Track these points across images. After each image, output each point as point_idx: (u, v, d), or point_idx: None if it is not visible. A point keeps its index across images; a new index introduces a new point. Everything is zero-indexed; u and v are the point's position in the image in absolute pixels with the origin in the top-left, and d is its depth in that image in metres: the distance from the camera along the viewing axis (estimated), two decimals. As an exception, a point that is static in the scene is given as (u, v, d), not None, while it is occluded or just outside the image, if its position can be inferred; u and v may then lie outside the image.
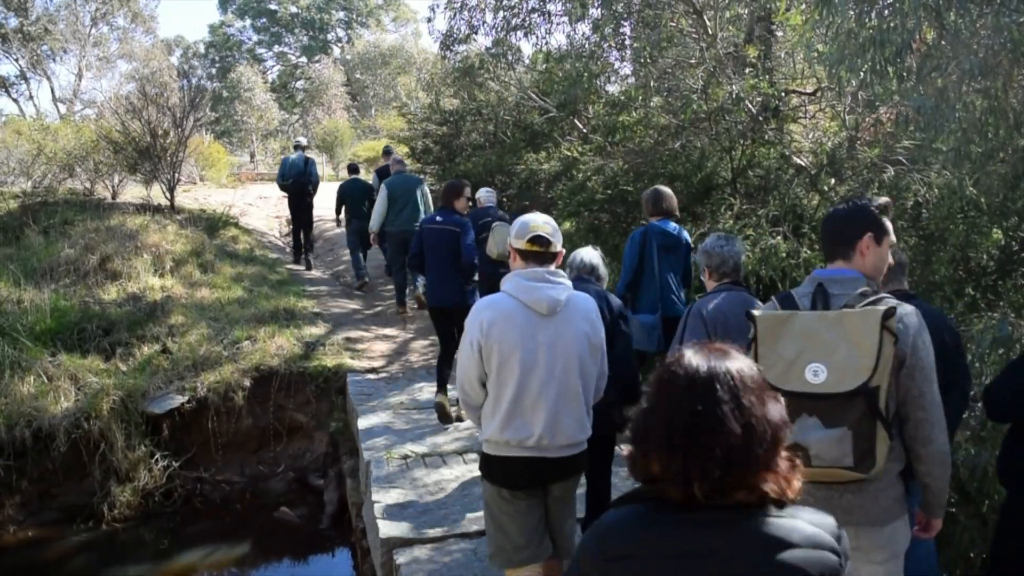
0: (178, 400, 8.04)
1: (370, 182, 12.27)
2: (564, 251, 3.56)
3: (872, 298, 2.62)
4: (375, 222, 10.10)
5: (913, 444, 2.62)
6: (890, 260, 2.90)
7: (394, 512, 5.33)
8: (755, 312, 2.74)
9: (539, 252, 3.38)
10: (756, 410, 1.53)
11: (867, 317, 2.53)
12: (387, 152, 12.97)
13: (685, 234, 6.14)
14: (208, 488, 8.12)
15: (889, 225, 2.80)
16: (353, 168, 13.31)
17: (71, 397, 7.86)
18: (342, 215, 12.15)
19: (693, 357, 1.59)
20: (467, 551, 4.85)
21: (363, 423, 7.05)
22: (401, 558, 4.80)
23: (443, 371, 6.84)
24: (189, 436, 8.19)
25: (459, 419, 6.91)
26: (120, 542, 7.35)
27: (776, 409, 1.56)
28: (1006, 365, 3.48)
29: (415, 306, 9.83)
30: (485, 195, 8.81)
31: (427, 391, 7.54)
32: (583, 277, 4.16)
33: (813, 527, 1.53)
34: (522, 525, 3.41)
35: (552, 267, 3.44)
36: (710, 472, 1.49)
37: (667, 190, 6.12)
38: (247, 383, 8.28)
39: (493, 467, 3.43)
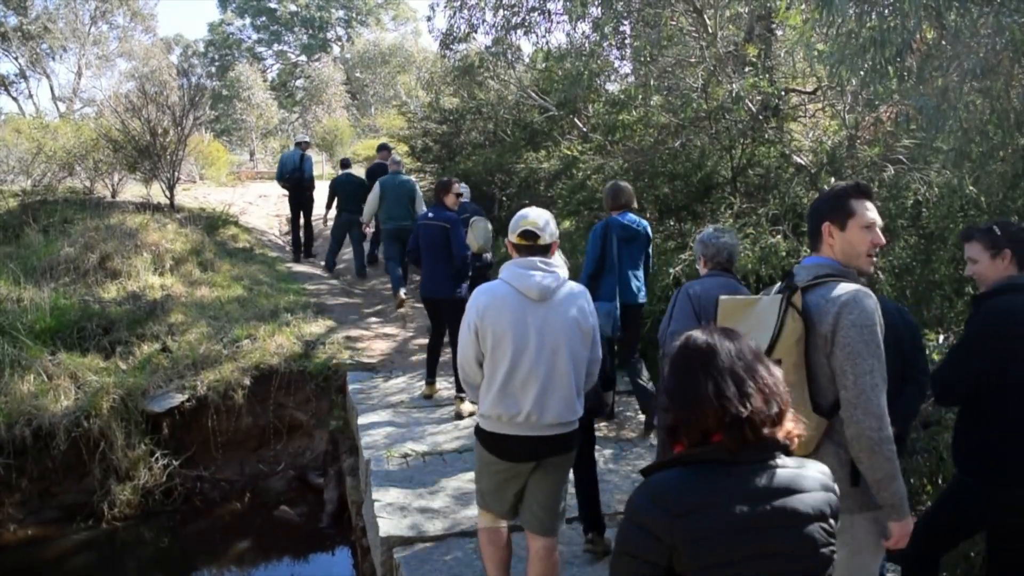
0: (178, 399, 8.04)
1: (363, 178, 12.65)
2: (558, 242, 3.84)
3: (821, 282, 2.69)
4: (366, 215, 10.94)
5: (843, 427, 2.62)
6: (878, 240, 2.83)
7: (394, 510, 5.33)
8: (721, 296, 2.86)
9: (528, 245, 3.65)
10: (769, 377, 1.92)
11: (773, 302, 2.68)
12: (382, 148, 13.18)
13: (645, 224, 6.48)
14: (208, 486, 8.12)
15: (860, 206, 2.78)
16: (345, 163, 13.40)
17: (71, 396, 7.86)
18: (331, 211, 12.55)
19: (715, 334, 1.98)
20: (468, 549, 4.86)
21: (363, 421, 7.05)
22: (401, 556, 4.81)
23: (431, 359, 7.57)
24: (189, 435, 8.19)
25: (459, 416, 7.09)
26: (120, 541, 7.35)
27: (781, 375, 1.97)
28: (951, 349, 3.45)
29: (403, 306, 9.98)
30: (463, 190, 8.77)
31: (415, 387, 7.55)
32: None
33: (821, 474, 1.95)
34: (498, 488, 3.73)
35: (546, 256, 3.67)
36: (756, 417, 1.86)
37: (626, 185, 6.50)
38: (247, 381, 8.28)
39: (485, 439, 3.70)
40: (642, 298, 6.49)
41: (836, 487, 1.97)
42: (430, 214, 7.30)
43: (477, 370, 3.65)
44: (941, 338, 5.78)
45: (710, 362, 1.92)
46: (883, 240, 2.85)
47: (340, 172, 12.82)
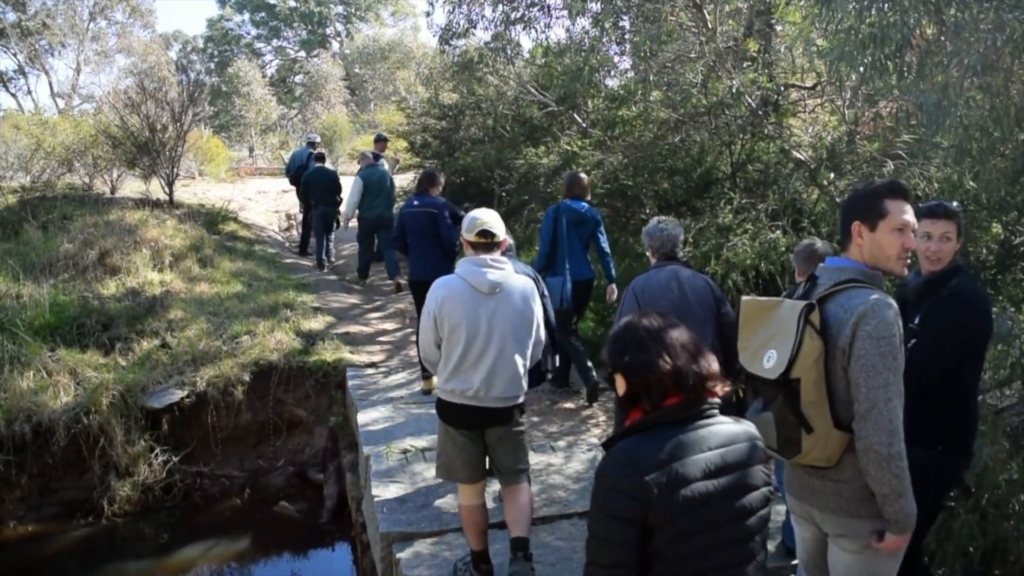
0: (177, 395, 8.04)
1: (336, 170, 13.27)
2: (507, 239, 4.42)
3: (842, 288, 2.67)
4: (348, 208, 11.29)
5: (856, 442, 2.60)
6: (909, 244, 2.78)
7: (394, 506, 5.33)
8: (743, 297, 2.88)
9: (486, 243, 4.20)
10: (705, 348, 2.36)
11: (792, 310, 2.66)
12: (379, 139, 13.27)
13: (594, 212, 7.23)
14: (208, 483, 8.13)
15: (894, 207, 2.71)
16: (320, 157, 13.25)
17: (70, 392, 7.86)
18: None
19: (655, 317, 2.37)
20: (467, 545, 4.86)
21: (363, 417, 7.05)
22: (401, 552, 4.82)
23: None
24: (189, 431, 8.20)
25: (427, 392, 7.46)
26: (120, 537, 7.36)
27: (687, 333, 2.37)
28: (931, 331, 3.44)
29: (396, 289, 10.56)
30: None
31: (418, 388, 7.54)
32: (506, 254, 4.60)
33: (751, 428, 2.35)
34: (459, 454, 4.32)
35: (497, 253, 4.22)
36: (703, 375, 2.25)
37: (583, 176, 7.37)
38: (246, 378, 8.28)
39: (443, 408, 4.31)
40: (589, 274, 7.21)
41: (761, 440, 2.36)
42: (415, 202, 7.66)
43: (436, 351, 4.24)
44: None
45: (660, 338, 2.27)
46: (915, 243, 2.80)
47: (315, 165, 12.84)
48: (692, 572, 2.19)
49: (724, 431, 2.25)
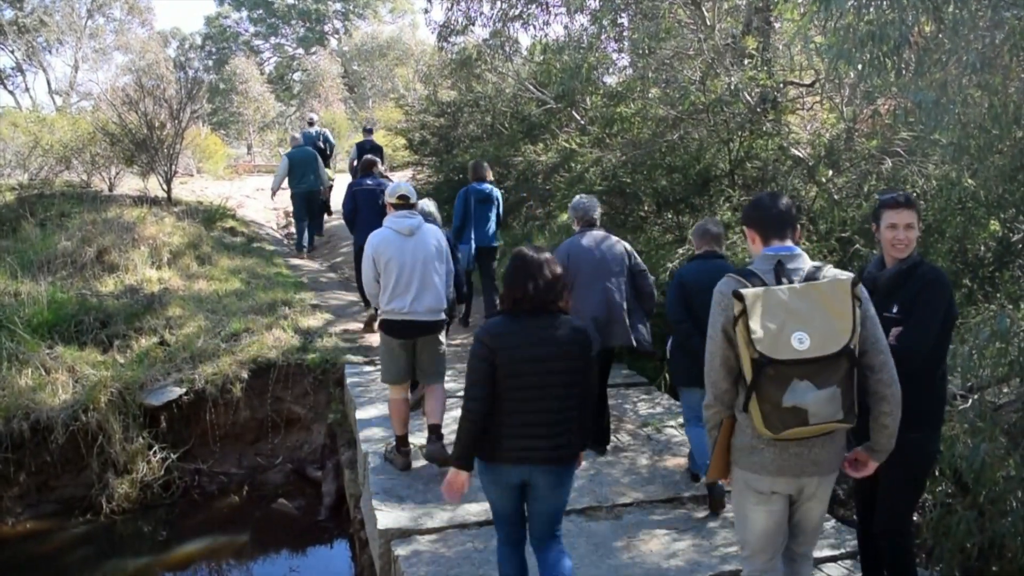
0: (176, 392, 8.04)
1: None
2: (417, 202, 6.02)
3: (825, 269, 3.03)
4: (275, 184, 12.99)
5: (879, 387, 3.00)
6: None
7: (392, 503, 5.33)
8: (741, 291, 2.93)
9: (403, 204, 5.75)
10: (556, 270, 3.64)
11: (835, 287, 2.88)
12: (367, 130, 14.34)
13: (496, 191, 9.05)
14: (206, 480, 8.13)
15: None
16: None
17: (69, 389, 7.86)
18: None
19: (536, 255, 3.66)
20: (466, 542, 4.87)
21: (361, 415, 7.05)
22: (399, 549, 4.82)
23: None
24: (187, 428, 8.19)
25: (370, 326, 9.11)
26: (118, 534, 7.36)
27: (561, 270, 3.70)
28: (917, 315, 3.59)
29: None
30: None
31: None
32: (427, 219, 6.04)
33: (574, 321, 3.71)
34: (395, 361, 5.77)
35: (410, 211, 5.75)
36: (541, 295, 3.57)
37: (483, 163, 9.22)
38: (245, 375, 8.27)
39: (385, 325, 5.73)
40: (494, 242, 9.06)
41: (586, 334, 3.70)
42: (367, 181, 9.32)
43: (375, 285, 5.65)
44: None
45: (529, 267, 3.62)
46: None
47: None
48: (514, 396, 3.55)
49: (554, 325, 3.61)
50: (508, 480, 3.64)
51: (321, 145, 14.61)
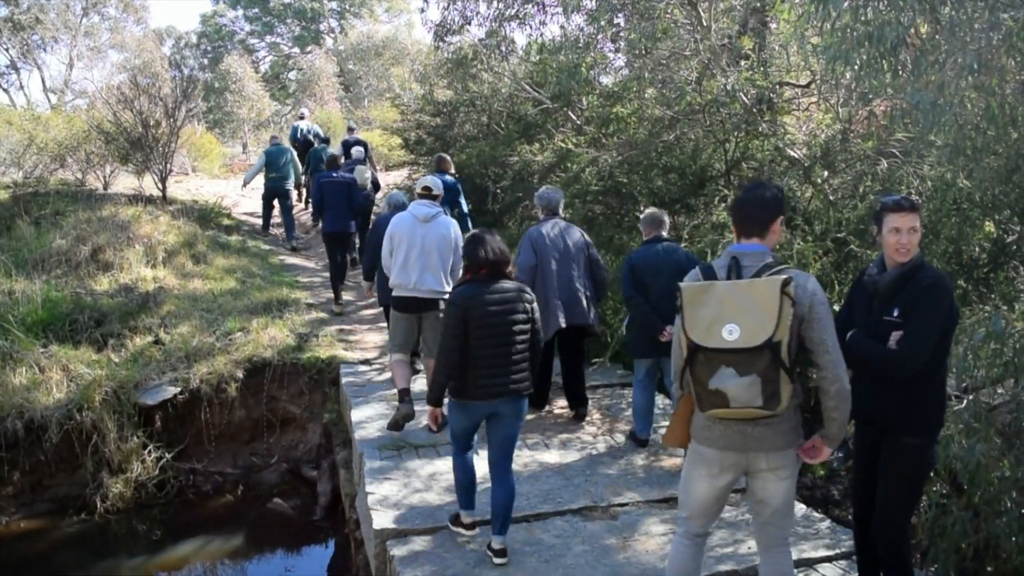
0: (171, 391, 8.02)
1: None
2: (441, 194, 6.76)
3: (776, 268, 3.21)
4: (248, 175, 14.40)
5: (824, 384, 3.21)
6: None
7: (388, 503, 5.33)
8: (681, 284, 3.34)
9: (426, 194, 6.56)
10: (503, 247, 4.57)
11: (770, 285, 3.09)
12: (350, 129, 15.80)
13: (456, 182, 9.92)
14: (201, 479, 8.12)
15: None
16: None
17: (63, 388, 7.84)
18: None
19: (487, 235, 4.59)
20: (461, 542, 4.86)
21: (356, 414, 7.04)
22: (395, 549, 4.81)
23: (336, 284, 10.51)
24: (182, 427, 8.18)
25: (340, 311, 10.27)
26: (113, 533, 7.35)
27: (506, 248, 4.62)
28: (918, 321, 3.62)
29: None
30: (356, 152, 13.21)
31: (421, 382, 7.53)
32: (398, 209, 7.03)
33: (518, 283, 4.63)
34: (402, 332, 6.63)
35: (432, 201, 6.55)
36: (493, 262, 4.51)
37: (445, 155, 10.30)
38: (240, 374, 8.27)
39: (394, 300, 6.57)
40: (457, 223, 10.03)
41: (531, 294, 4.65)
42: (334, 174, 10.58)
43: (388, 258, 6.50)
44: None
45: (483, 242, 4.55)
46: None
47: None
48: (483, 344, 4.43)
49: (505, 286, 4.54)
50: (479, 413, 4.58)
51: (311, 139, 15.64)
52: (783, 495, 3.38)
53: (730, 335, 3.10)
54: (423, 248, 6.34)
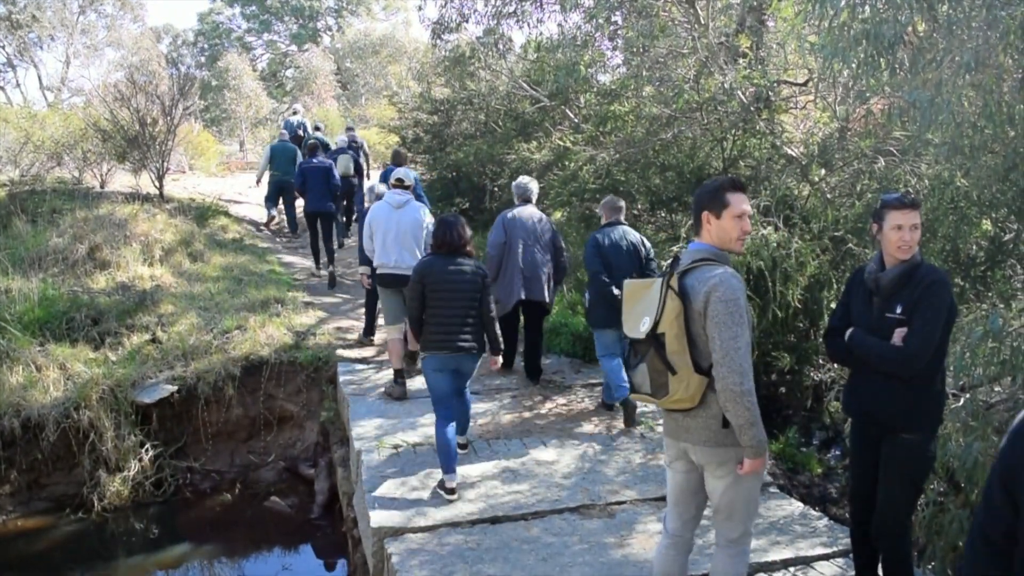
0: (168, 389, 8.01)
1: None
2: (412, 184, 7.79)
3: (695, 264, 3.30)
4: (260, 172, 14.93)
5: (715, 382, 3.20)
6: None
7: (385, 501, 5.33)
8: (626, 280, 3.63)
9: (399, 184, 7.50)
10: (465, 230, 5.68)
11: (658, 281, 3.34)
12: (349, 129, 16.20)
13: (413, 174, 10.09)
14: (198, 478, 8.10)
15: (735, 198, 3.33)
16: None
17: (60, 387, 7.83)
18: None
19: (452, 219, 5.71)
20: (459, 540, 4.87)
21: (354, 412, 7.04)
22: (392, 547, 4.81)
23: (316, 254, 12.21)
24: (179, 426, 8.17)
25: (319, 277, 11.78)
26: (110, 532, 7.34)
27: (469, 231, 5.74)
28: (922, 320, 3.63)
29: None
30: (340, 139, 14.43)
31: (419, 380, 7.54)
32: (380, 198, 7.68)
33: (473, 260, 5.67)
34: (390, 306, 7.40)
35: (404, 191, 7.45)
36: (454, 241, 5.60)
37: (402, 150, 11.61)
38: (237, 372, 8.26)
39: (377, 277, 7.41)
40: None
41: (484, 271, 5.69)
42: (313, 160, 11.74)
43: (370, 243, 7.37)
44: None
45: (453, 225, 5.59)
46: (750, 228, 3.44)
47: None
48: (437, 305, 5.47)
49: (461, 261, 5.54)
50: (443, 365, 5.52)
51: (301, 133, 16.36)
52: (720, 494, 3.37)
53: (643, 326, 3.33)
54: (398, 231, 7.23)
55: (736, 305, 3.17)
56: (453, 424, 5.56)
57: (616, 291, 6.43)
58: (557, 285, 7.72)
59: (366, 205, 9.00)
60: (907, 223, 3.62)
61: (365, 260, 7.84)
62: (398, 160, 11.05)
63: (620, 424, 6.78)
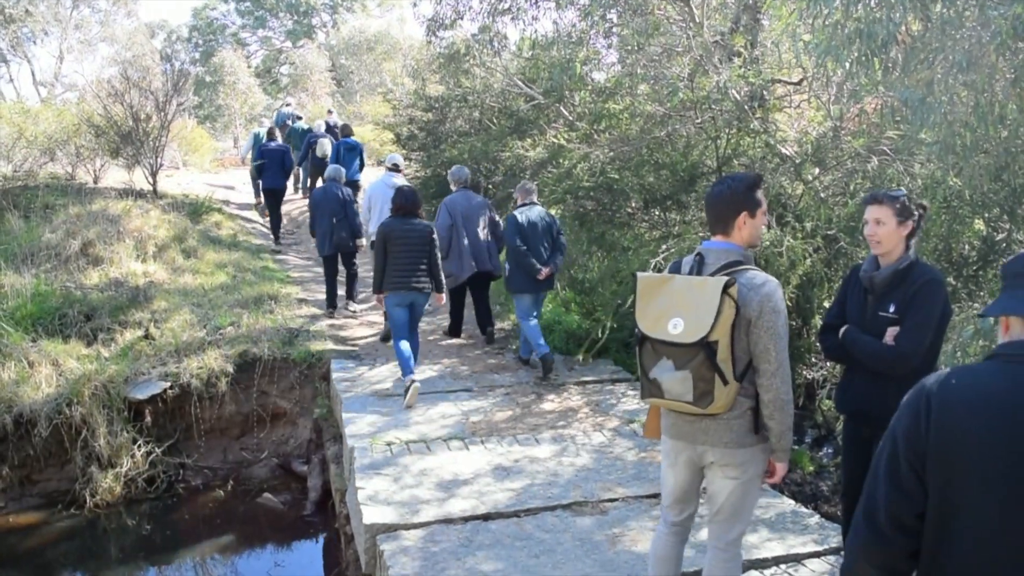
0: (161, 386, 8.00)
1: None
2: (403, 168, 10.07)
3: (735, 268, 3.20)
4: (243, 152, 16.55)
5: (761, 392, 3.18)
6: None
7: (378, 498, 5.33)
8: (638, 274, 3.40)
9: (393, 168, 9.26)
10: (417, 197, 7.60)
11: (712, 285, 3.13)
12: (329, 112, 18.27)
13: (359, 144, 13.38)
14: (191, 474, 8.10)
15: (762, 197, 3.31)
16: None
17: (52, 383, 7.81)
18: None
19: (407, 190, 7.55)
20: (452, 537, 4.87)
21: (347, 409, 7.04)
22: (385, 545, 4.81)
23: (276, 228, 14.08)
24: (172, 422, 8.16)
25: (277, 249, 13.26)
26: (102, 528, 7.33)
27: (419, 198, 7.64)
28: (915, 320, 3.64)
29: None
30: (317, 125, 16.09)
31: (419, 377, 7.54)
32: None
33: (426, 222, 7.47)
34: (380, 264, 7.54)
35: (398, 174, 9.30)
36: (409, 205, 7.47)
37: (349, 124, 14.78)
38: (230, 369, 8.25)
39: (376, 242, 7.69)
40: (355, 176, 13.52)
41: (431, 227, 7.48)
42: (272, 144, 13.75)
43: (368, 215, 9.09)
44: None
45: (409, 195, 7.46)
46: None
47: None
48: (396, 253, 7.20)
49: (415, 222, 7.32)
50: (402, 300, 7.27)
51: (290, 123, 17.41)
52: (727, 495, 3.35)
53: (675, 328, 3.17)
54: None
55: (785, 316, 3.18)
56: (407, 341, 7.24)
57: (533, 261, 7.70)
58: (499, 253, 8.76)
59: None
60: (871, 217, 3.73)
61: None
62: (345, 132, 14.06)
63: (614, 422, 6.79)
